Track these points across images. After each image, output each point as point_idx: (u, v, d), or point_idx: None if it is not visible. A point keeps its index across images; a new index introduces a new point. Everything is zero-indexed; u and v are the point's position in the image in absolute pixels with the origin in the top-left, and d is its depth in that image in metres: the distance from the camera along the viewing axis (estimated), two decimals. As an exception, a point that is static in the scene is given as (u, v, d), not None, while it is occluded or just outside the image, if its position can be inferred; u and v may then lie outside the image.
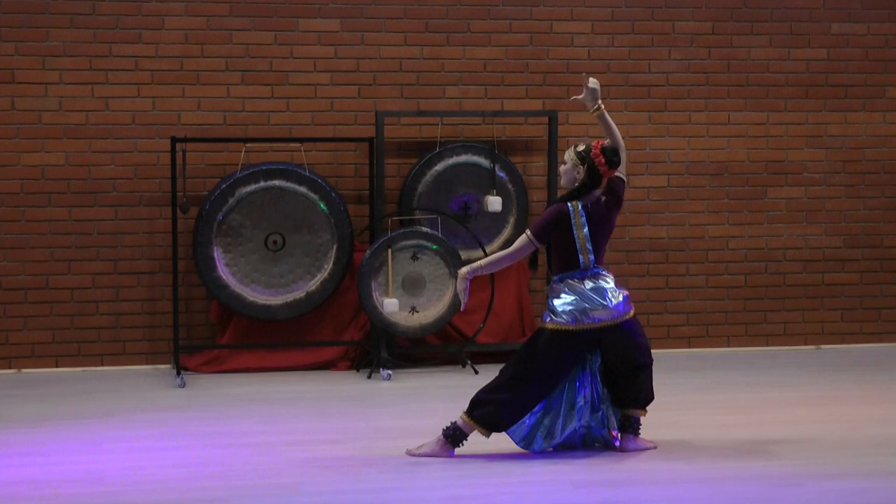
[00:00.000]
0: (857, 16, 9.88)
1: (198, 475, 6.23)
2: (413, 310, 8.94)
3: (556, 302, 6.54)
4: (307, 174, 8.95)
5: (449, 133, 9.29)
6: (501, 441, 6.65)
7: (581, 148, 6.64)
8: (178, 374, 8.62)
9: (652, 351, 6.71)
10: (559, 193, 6.78)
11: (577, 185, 6.63)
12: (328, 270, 9.03)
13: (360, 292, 8.85)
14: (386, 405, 7.99)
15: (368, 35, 9.32)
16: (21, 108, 8.98)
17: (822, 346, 9.94)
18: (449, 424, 6.54)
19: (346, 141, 9.17)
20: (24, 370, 9.02)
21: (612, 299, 6.55)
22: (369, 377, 8.73)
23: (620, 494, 5.92)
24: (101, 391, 8.33)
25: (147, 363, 9.15)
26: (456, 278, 6.50)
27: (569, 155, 6.66)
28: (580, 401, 6.55)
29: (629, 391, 6.59)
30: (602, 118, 6.73)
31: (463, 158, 9.21)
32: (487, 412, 6.48)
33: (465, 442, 6.52)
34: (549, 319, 6.54)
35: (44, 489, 5.98)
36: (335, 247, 9.01)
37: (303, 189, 8.96)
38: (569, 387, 6.56)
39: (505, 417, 6.50)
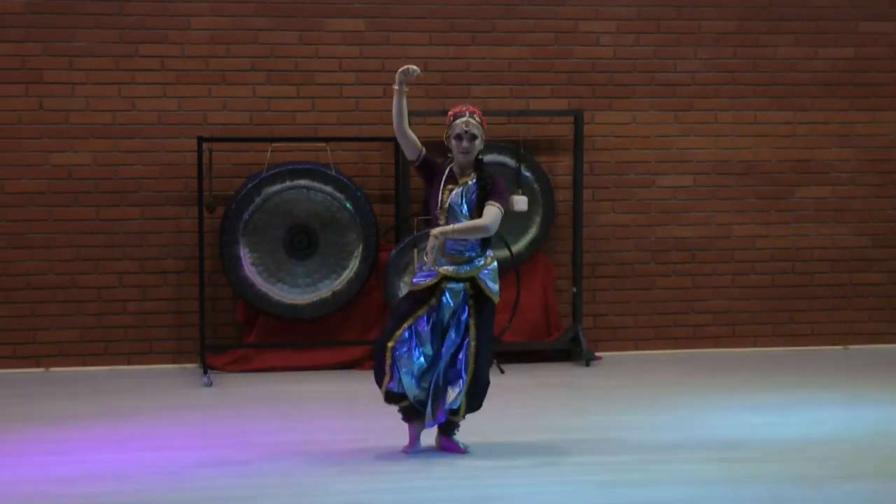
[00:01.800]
0: (884, 14, 9.83)
1: (224, 474, 6.24)
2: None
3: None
4: (333, 174, 8.96)
5: (474, 132, 9.26)
6: (525, 441, 6.64)
7: (477, 118, 6.53)
8: (205, 373, 8.64)
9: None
10: (469, 164, 6.55)
11: (479, 154, 6.55)
12: (354, 270, 9.03)
13: (385, 292, 8.85)
14: (411, 405, 7.99)
15: (394, 35, 9.32)
16: (48, 109, 9.02)
17: (850, 346, 9.90)
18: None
19: (371, 141, 9.17)
20: (51, 369, 9.06)
21: None
22: (395, 377, 8.72)
23: (646, 495, 5.90)
24: (127, 390, 8.36)
25: (174, 362, 9.17)
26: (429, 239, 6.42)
27: (477, 123, 6.49)
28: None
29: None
30: (399, 100, 6.47)
31: (488, 158, 9.19)
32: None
33: (403, 406, 6.55)
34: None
35: (70, 487, 6.00)
36: (361, 246, 9.02)
37: (328, 189, 8.97)
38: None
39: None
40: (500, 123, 9.33)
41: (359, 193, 9.00)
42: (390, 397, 6.54)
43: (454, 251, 6.49)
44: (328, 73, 9.29)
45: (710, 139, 9.73)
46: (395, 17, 9.34)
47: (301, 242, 9.01)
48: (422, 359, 6.46)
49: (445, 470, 6.30)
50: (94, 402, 8.01)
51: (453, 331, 6.47)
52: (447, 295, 6.46)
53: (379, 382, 6.51)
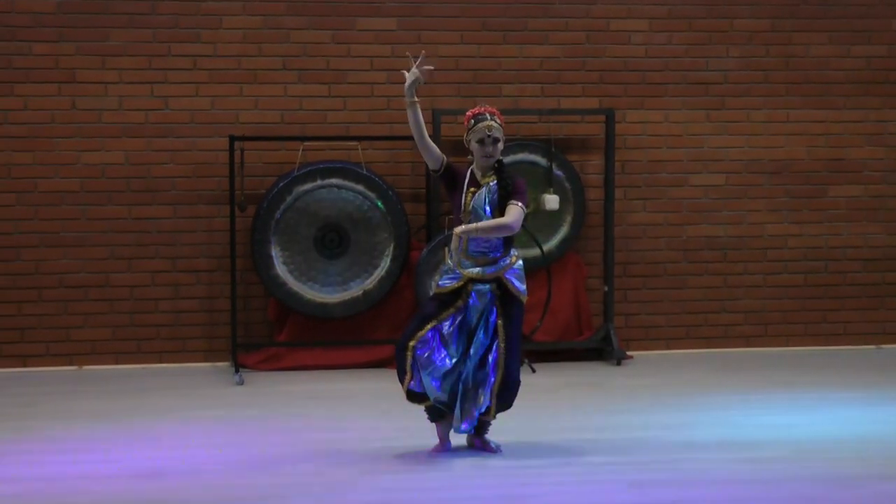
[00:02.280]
0: (918, 12, 9.79)
1: (256, 472, 6.26)
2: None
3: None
4: (364, 172, 8.98)
5: (505, 132, 9.23)
6: (555, 440, 6.63)
7: (498, 119, 6.54)
8: (237, 371, 8.67)
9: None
10: (490, 166, 6.52)
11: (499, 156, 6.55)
12: (385, 268, 9.05)
13: (416, 291, 8.86)
14: (442, 403, 7.99)
15: (425, 34, 9.33)
16: (82, 108, 9.07)
17: (883, 346, 9.85)
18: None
19: (402, 139, 9.17)
20: (84, 367, 9.11)
21: None
22: (426, 375, 8.73)
23: (677, 494, 5.89)
24: (159, 388, 8.40)
25: (205, 361, 9.21)
26: (451, 238, 6.43)
27: (498, 126, 6.51)
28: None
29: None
30: (414, 112, 6.43)
31: (520, 157, 9.19)
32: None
33: (427, 406, 6.55)
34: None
35: (103, 484, 6.04)
36: (392, 245, 9.03)
37: (360, 187, 8.98)
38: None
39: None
40: (532, 122, 9.32)
41: (390, 192, 9.01)
42: (412, 396, 6.55)
43: (477, 253, 6.48)
44: (360, 71, 9.30)
45: (742, 138, 9.70)
46: (426, 16, 9.34)
47: (332, 241, 9.03)
48: (446, 360, 6.46)
49: (476, 469, 6.31)
50: (126, 400, 8.05)
51: (482, 332, 6.47)
52: (474, 296, 6.46)
53: (401, 381, 6.53)
